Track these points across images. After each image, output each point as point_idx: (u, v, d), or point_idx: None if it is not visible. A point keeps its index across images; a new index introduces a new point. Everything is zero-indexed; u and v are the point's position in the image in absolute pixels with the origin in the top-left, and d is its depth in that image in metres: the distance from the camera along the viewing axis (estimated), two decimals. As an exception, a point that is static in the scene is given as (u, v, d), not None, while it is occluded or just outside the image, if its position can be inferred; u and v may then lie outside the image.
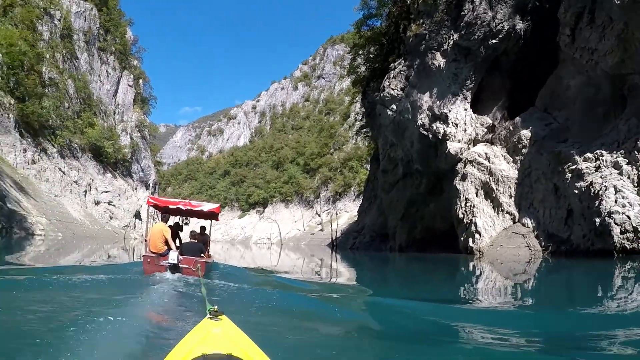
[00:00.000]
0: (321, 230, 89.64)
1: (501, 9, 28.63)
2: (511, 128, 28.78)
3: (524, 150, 27.50)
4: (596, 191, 21.43)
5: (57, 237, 40.02)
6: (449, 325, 7.43)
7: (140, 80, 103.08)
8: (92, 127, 75.56)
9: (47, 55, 67.36)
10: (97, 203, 68.33)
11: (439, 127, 30.78)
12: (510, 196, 27.58)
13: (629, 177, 21.31)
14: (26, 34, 60.16)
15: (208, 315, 3.04)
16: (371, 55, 46.70)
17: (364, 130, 61.85)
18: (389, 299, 11.19)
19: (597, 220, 20.68)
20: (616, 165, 21.84)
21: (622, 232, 19.61)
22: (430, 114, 31.53)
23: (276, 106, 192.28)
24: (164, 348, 3.73)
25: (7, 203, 37.46)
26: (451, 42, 30.52)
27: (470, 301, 11.50)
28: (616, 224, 19.77)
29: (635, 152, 21.42)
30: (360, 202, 79.11)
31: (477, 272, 21.23)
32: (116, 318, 5.49)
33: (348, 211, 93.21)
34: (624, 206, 20.05)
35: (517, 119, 28.59)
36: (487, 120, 31.13)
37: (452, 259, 28.38)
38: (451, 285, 16.62)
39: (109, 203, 71.00)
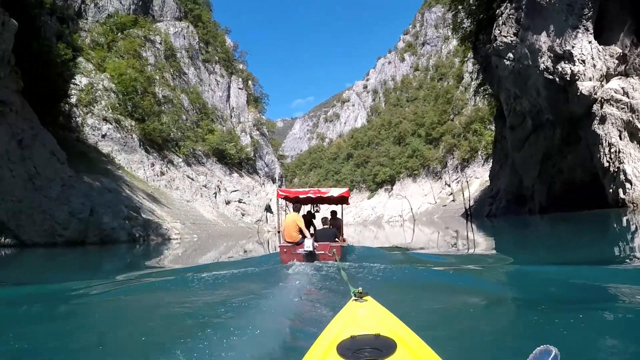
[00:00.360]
0: (453, 200, 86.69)
1: None
2: None
3: None
4: None
5: (192, 239, 41.37)
6: (602, 288, 7.04)
7: (249, 82, 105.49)
8: (212, 133, 78.97)
9: (156, 77, 72.13)
10: (227, 202, 70.57)
11: (565, 67, 27.08)
12: None
13: None
14: (133, 62, 65.51)
15: (353, 297, 3.09)
16: (473, 7, 43.32)
17: (482, 88, 57.95)
18: (532, 265, 10.99)
19: None
20: None
21: None
22: (553, 55, 27.92)
23: (387, 81, 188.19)
24: (312, 332, 3.89)
25: (142, 213, 39.44)
26: None
27: (626, 260, 10.63)
28: None
29: None
30: (490, 165, 76.13)
31: (632, 228, 18.76)
32: (261, 308, 6.05)
33: (478, 177, 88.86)
34: None
35: None
36: (616, 49, 26.93)
37: (601, 214, 25.25)
38: (602, 245, 15.11)
39: (239, 201, 73.07)
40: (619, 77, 26.53)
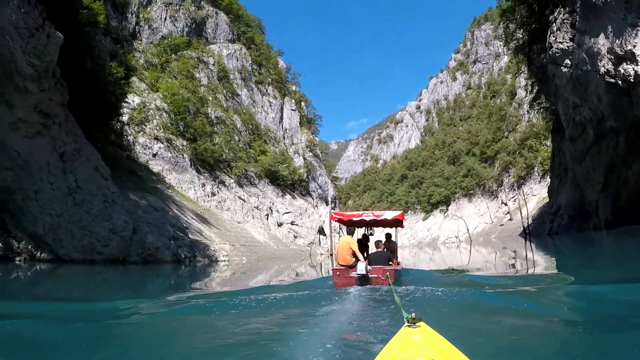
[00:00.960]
0: (510, 219, 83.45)
1: None
2: None
3: None
4: None
5: (241, 261, 40.77)
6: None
7: (302, 103, 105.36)
8: (265, 154, 78.59)
9: (209, 98, 72.92)
10: (280, 224, 70.10)
11: (628, 68, 25.09)
12: None
13: None
14: (185, 83, 66.66)
15: (406, 324, 3.09)
16: (524, 18, 41.92)
17: (537, 101, 56.11)
18: (596, 285, 10.51)
19: None
20: None
21: None
22: (613, 57, 26.01)
23: (440, 101, 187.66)
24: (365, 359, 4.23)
25: (189, 234, 38.96)
26: None
27: None
28: None
29: None
30: (548, 181, 73.58)
31: None
32: (312, 333, 5.95)
33: (535, 194, 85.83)
34: None
35: None
36: None
37: None
38: None
39: (292, 223, 72.38)
40: None
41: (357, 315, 8.00)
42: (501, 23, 50.92)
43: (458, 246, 70.89)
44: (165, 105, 60.01)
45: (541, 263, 23.19)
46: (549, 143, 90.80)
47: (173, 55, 71.60)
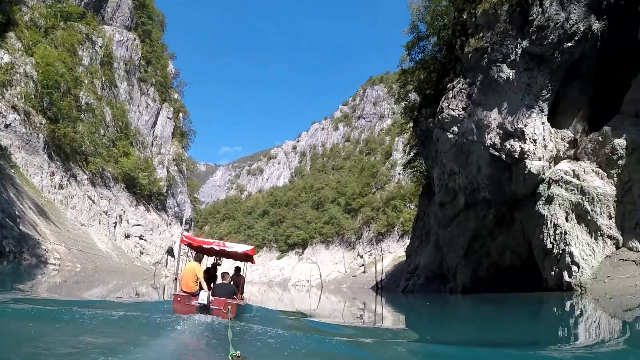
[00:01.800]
0: (364, 272, 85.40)
1: (574, 9, 25.53)
2: (600, 139, 24.78)
3: (620, 162, 23.61)
4: None
5: (74, 268, 37.32)
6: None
7: (180, 114, 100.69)
8: (127, 157, 72.42)
9: (85, 80, 65.60)
10: (127, 236, 65.22)
11: (514, 144, 26.93)
12: (610, 217, 23.38)
13: None
14: (65, 56, 59.02)
15: None
16: (421, 82, 43.76)
17: (412, 164, 58.96)
18: (441, 345, 10.61)
19: None
20: None
21: None
22: (502, 132, 27.80)
23: (316, 146, 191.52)
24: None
25: (20, 225, 34.38)
26: (519, 51, 27.34)
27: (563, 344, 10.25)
28: None
29: None
30: (407, 241, 76.36)
31: (577, 312, 18.16)
32: (136, 358, 5.87)
33: (392, 252, 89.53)
34: None
35: (606, 128, 24.69)
36: (568, 134, 27.23)
37: (536, 298, 24.46)
38: (536, 327, 14.58)
39: (140, 237, 67.81)
40: (569, 160, 26.60)
41: (187, 345, 8.06)
42: (398, 82, 52.37)
43: (309, 290, 71.19)
44: (35, 74, 52.90)
45: (389, 318, 23.67)
46: (413, 206, 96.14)
47: (62, 23, 63.46)
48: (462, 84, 31.88)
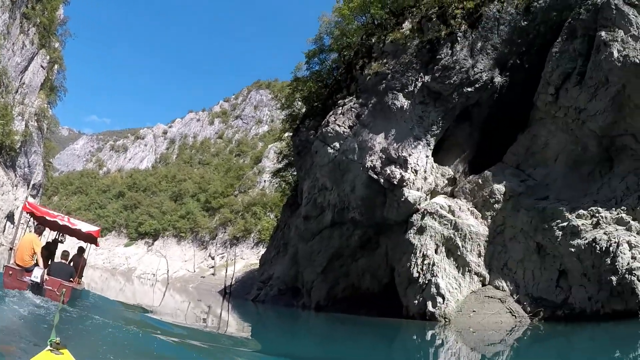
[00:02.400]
0: (213, 274, 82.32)
1: (482, 59, 27.18)
2: (480, 182, 26.40)
3: (496, 206, 25.24)
4: (603, 248, 19.82)
5: None
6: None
7: (56, 66, 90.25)
8: None
9: None
10: (-37, 190, 57.47)
11: (395, 171, 27.25)
12: (479, 255, 24.64)
13: (638, 234, 19.98)
14: None
15: (48, 347, 3.08)
16: (312, 92, 43.50)
17: (282, 173, 59.24)
18: (283, 358, 10.65)
19: (614, 279, 18.90)
20: (620, 222, 20.77)
21: (646, 290, 17.91)
22: (384, 157, 28.06)
23: (188, 136, 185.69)
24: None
25: None
26: (419, 84, 28.23)
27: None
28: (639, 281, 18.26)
29: (640, 208, 20.48)
30: (261, 250, 75.57)
31: (438, 342, 18.87)
32: None
33: (244, 258, 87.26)
34: (644, 262, 18.60)
35: (487, 172, 26.44)
36: (449, 171, 28.52)
37: (395, 324, 24.91)
38: (391, 352, 14.85)
39: (-21, 193, 60.31)
40: (445, 195, 27.81)
41: (11, 325, 7.49)
42: (288, 87, 51.50)
43: (153, 285, 70.51)
44: None
45: (234, 325, 24.27)
46: (272, 216, 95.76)
47: None
48: (354, 103, 31.85)
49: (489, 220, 25.34)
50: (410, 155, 27.29)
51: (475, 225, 25.16)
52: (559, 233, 21.98)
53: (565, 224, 21.92)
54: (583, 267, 20.73)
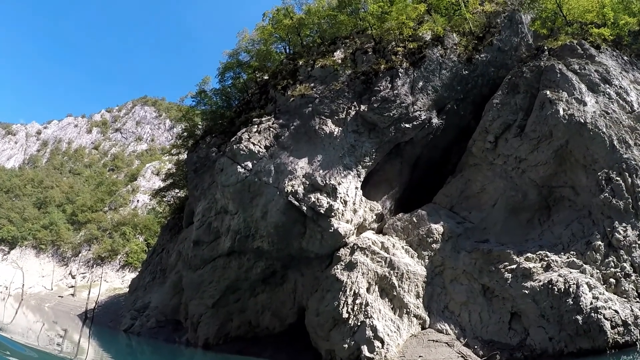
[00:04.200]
0: (72, 295, 73.85)
1: (422, 98, 27.40)
2: (415, 220, 25.99)
3: (434, 246, 24.87)
4: (562, 289, 20.60)
5: None
6: None
7: None
8: None
9: None
10: None
11: (322, 199, 25.01)
12: (418, 297, 23.64)
13: (592, 276, 21.22)
14: None
15: None
16: (219, 108, 41.35)
17: (163, 193, 55.11)
18: None
19: (579, 318, 19.55)
20: (572, 265, 21.84)
21: (612, 327, 19.06)
22: (308, 183, 25.67)
23: (62, 141, 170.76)
24: None
25: None
26: (352, 113, 27.38)
27: None
28: (606, 319, 19.20)
29: (591, 252, 21.93)
30: (127, 274, 69.63)
31: None
32: None
33: (108, 281, 79.79)
34: (606, 301, 19.82)
35: (421, 211, 26.38)
36: (377, 206, 27.20)
37: None
38: None
39: None
40: (372, 231, 26.80)
41: None
42: (195, 97, 47.69)
43: (5, 299, 65.45)
44: None
45: (97, 353, 23.08)
46: (142, 239, 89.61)
47: None
48: (273, 123, 29.43)
49: (426, 260, 24.73)
50: (339, 184, 25.39)
51: (412, 264, 24.20)
52: (508, 275, 22.26)
53: (514, 266, 22.35)
54: (540, 309, 20.80)
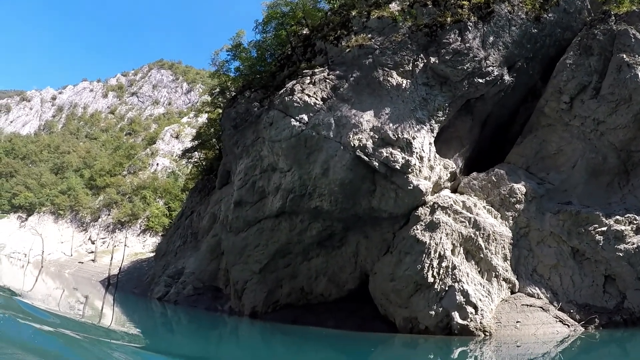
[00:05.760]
0: (93, 260, 72.27)
1: (493, 54, 25.82)
2: (494, 179, 24.40)
3: (518, 207, 23.32)
4: None
5: None
6: None
7: None
8: None
9: None
10: None
11: (396, 154, 22.61)
12: (505, 259, 22.16)
13: None
14: None
15: None
16: (257, 60, 38.78)
17: (189, 154, 53.24)
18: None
19: None
20: None
21: None
22: (377, 137, 23.19)
23: (78, 106, 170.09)
24: None
25: None
26: (421, 65, 25.33)
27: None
28: None
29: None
30: (148, 239, 68.30)
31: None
32: None
33: (129, 246, 77.76)
34: None
35: (499, 170, 24.79)
36: (451, 164, 25.10)
37: (390, 341, 21.25)
38: None
39: None
40: (448, 190, 25.36)
41: None
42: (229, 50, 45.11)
43: (24, 267, 63.83)
44: None
45: (122, 321, 22.06)
46: (162, 203, 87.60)
47: None
48: (328, 74, 26.85)
49: (510, 221, 23.37)
50: (414, 138, 23.07)
51: (497, 225, 22.77)
52: (599, 238, 21.83)
53: (604, 228, 21.93)
54: (636, 272, 20.72)
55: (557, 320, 20.41)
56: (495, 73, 25.54)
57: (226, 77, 42.26)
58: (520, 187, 23.71)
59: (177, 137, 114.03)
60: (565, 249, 22.48)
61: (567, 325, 20.20)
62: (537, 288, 22.13)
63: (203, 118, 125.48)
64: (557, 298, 21.70)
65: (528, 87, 27.99)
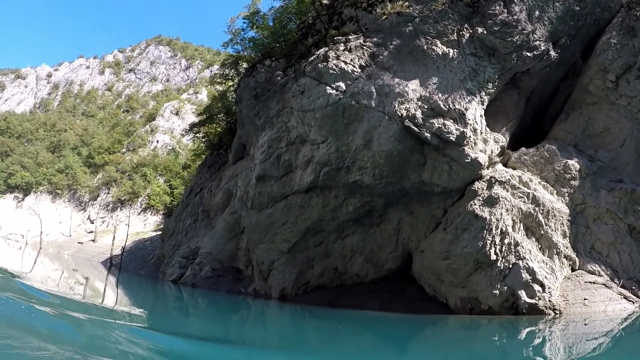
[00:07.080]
0: (93, 241, 70.54)
1: (540, 28, 24.78)
2: (546, 155, 23.68)
3: (573, 183, 22.73)
4: None
5: None
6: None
7: None
8: None
9: None
10: None
11: (449, 125, 21.34)
12: (565, 236, 21.69)
13: None
14: None
15: None
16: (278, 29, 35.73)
17: (196, 129, 51.51)
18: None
19: None
20: None
21: None
22: (427, 107, 21.77)
23: (74, 83, 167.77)
24: None
25: None
26: (467, 35, 24.18)
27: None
28: None
29: None
30: (149, 217, 67.27)
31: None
32: None
33: (130, 225, 76.16)
34: None
35: (550, 146, 24.07)
36: (501, 138, 24.08)
37: (448, 323, 20.22)
38: None
39: None
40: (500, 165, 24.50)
41: None
42: (246, 18, 43.04)
43: (22, 248, 63.46)
44: None
45: (125, 302, 21.61)
46: (163, 180, 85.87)
47: None
48: (365, 41, 25.23)
49: (566, 198, 22.70)
50: (467, 109, 21.89)
51: (555, 201, 22.07)
52: None
53: None
54: None
55: (622, 297, 20.10)
56: (542, 48, 24.70)
57: (244, 44, 40.26)
58: (574, 164, 23.11)
59: (177, 114, 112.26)
60: (622, 226, 22.01)
61: (632, 301, 19.94)
62: (597, 265, 21.76)
63: (203, 95, 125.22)
64: (617, 275, 21.33)
65: (570, 64, 27.38)
